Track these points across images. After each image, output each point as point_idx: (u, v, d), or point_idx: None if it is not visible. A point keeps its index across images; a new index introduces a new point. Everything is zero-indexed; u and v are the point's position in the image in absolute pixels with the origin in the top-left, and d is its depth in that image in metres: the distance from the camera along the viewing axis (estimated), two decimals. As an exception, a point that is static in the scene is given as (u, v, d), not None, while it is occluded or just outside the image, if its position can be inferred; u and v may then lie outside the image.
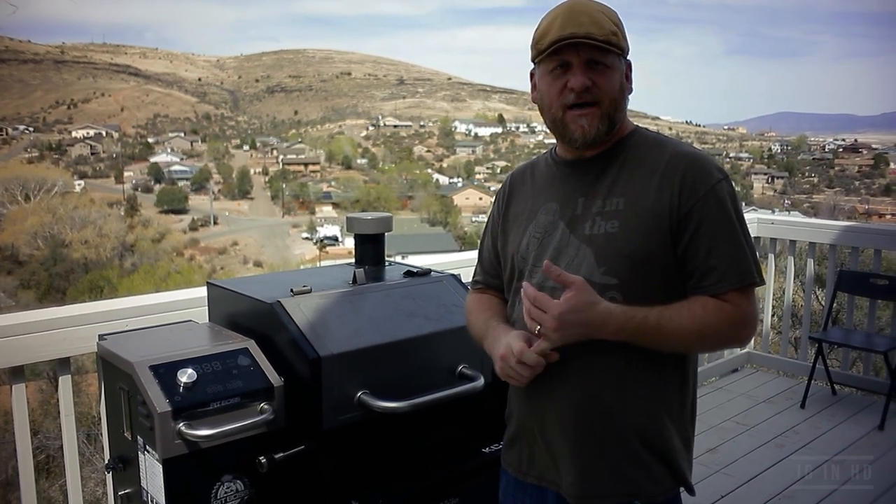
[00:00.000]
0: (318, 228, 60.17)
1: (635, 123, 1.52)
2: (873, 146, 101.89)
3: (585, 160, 1.49)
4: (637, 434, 1.41)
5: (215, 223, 67.05)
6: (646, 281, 1.40)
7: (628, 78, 1.46)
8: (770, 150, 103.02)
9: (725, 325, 1.38)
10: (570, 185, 1.50)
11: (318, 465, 1.68)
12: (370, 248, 2.14)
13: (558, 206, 1.49)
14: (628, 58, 1.46)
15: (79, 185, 71.42)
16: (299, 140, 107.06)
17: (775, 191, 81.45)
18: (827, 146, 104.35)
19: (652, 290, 1.40)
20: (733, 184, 1.47)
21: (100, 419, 2.14)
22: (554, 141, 1.55)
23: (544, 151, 1.64)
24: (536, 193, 1.56)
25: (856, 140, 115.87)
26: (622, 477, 1.41)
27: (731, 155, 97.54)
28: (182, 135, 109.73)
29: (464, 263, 2.89)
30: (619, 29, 1.42)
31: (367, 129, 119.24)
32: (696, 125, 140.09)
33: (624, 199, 1.42)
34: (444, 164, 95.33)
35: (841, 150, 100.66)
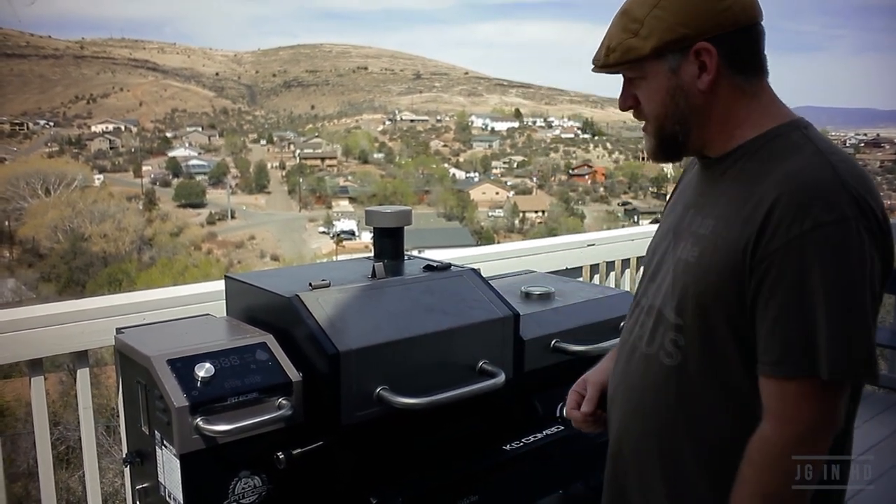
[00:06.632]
0: (334, 223, 60.47)
1: (792, 118, 1.19)
2: (895, 140, 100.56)
3: (712, 161, 1.23)
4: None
5: (232, 217, 67.53)
6: (714, 330, 1.15)
7: (704, 69, 1.14)
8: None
9: (776, 461, 1.09)
10: (693, 190, 1.28)
11: (336, 462, 1.67)
12: (389, 242, 2.11)
13: (679, 212, 1.28)
14: (700, 44, 1.13)
15: (98, 179, 72.28)
16: (316, 135, 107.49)
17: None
18: (848, 141, 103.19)
19: (720, 344, 1.15)
20: (866, 228, 1.06)
21: (118, 411, 2.14)
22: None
23: None
24: (681, 191, 1.35)
25: (878, 134, 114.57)
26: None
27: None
28: (200, 129, 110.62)
29: (483, 258, 2.86)
30: (640, 27, 1.15)
31: (384, 123, 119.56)
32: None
33: (714, 223, 1.16)
34: (461, 159, 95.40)
35: (862, 144, 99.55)
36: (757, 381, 1.12)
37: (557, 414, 1.93)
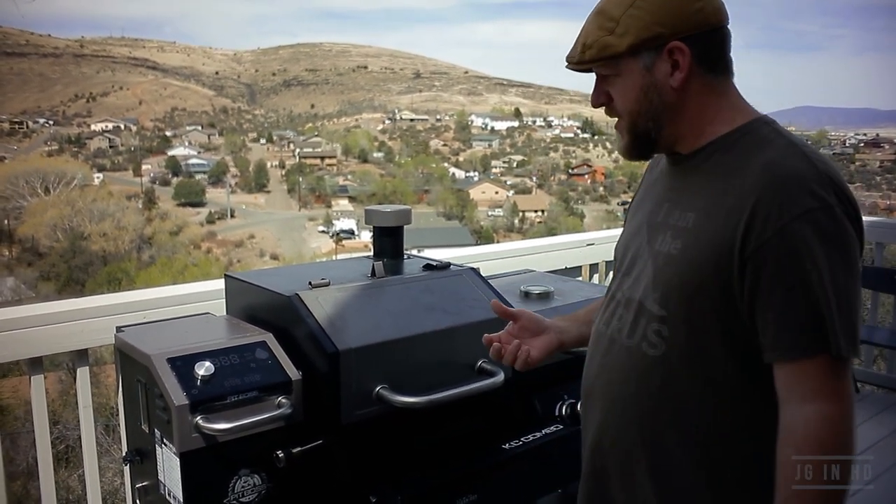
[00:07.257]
0: (334, 222, 60.45)
1: (758, 115, 1.24)
2: (895, 140, 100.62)
3: (682, 157, 1.26)
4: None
5: (232, 216, 67.48)
6: (698, 322, 1.17)
7: (678, 67, 1.17)
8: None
9: (823, 434, 1.07)
10: (664, 186, 1.31)
11: (335, 460, 1.67)
12: (389, 241, 2.11)
13: (650, 208, 1.30)
14: (674, 43, 1.16)
15: (97, 177, 72.26)
16: (316, 134, 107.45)
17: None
18: (848, 141, 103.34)
19: (705, 336, 1.16)
20: (845, 213, 1.11)
21: (118, 410, 2.14)
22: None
23: None
24: (647, 188, 1.38)
25: (877, 134, 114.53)
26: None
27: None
28: (199, 128, 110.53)
29: (483, 257, 2.86)
30: (616, 25, 1.17)
31: (384, 122, 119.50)
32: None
33: (695, 215, 1.19)
34: (461, 158, 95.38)
35: (862, 144, 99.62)
36: (741, 370, 1.16)
37: (557, 413, 1.94)
